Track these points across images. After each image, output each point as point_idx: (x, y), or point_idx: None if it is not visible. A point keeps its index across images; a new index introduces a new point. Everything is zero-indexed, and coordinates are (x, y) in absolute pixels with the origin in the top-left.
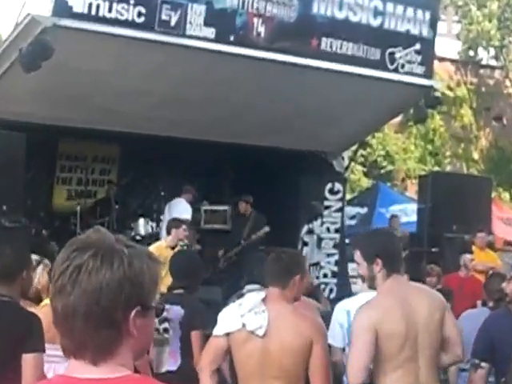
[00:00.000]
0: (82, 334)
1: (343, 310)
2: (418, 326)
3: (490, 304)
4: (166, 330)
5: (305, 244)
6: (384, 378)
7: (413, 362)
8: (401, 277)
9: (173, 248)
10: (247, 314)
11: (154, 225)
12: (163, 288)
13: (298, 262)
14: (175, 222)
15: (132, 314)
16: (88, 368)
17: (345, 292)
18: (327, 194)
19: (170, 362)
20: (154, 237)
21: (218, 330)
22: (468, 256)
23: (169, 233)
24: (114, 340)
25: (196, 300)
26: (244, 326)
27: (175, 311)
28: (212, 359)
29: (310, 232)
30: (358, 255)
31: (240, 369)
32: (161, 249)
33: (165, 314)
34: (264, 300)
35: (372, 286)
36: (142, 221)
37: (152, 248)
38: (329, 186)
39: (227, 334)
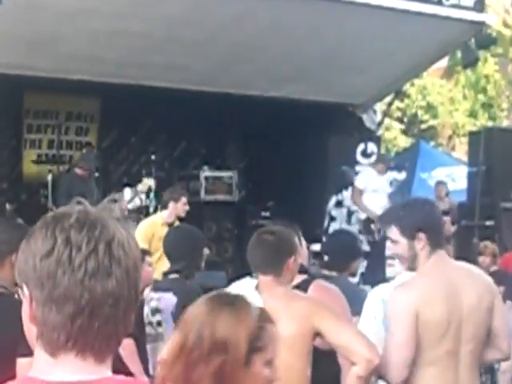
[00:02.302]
0: (118, 322)
1: (378, 299)
2: (463, 314)
3: None
4: (159, 323)
5: (332, 219)
6: (419, 372)
7: (453, 355)
8: (445, 254)
9: (170, 225)
10: None
11: (144, 196)
12: (157, 275)
13: (290, 242)
14: (174, 194)
15: None
16: (89, 367)
17: (379, 277)
18: (359, 157)
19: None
20: (143, 211)
21: None
22: None
23: (165, 207)
24: (131, 326)
25: (191, 285)
26: None
27: (166, 300)
28: None
29: (339, 204)
30: (394, 231)
31: None
32: (156, 226)
33: (156, 303)
34: (257, 288)
35: (413, 268)
36: (127, 191)
37: (145, 224)
38: (361, 146)
39: None
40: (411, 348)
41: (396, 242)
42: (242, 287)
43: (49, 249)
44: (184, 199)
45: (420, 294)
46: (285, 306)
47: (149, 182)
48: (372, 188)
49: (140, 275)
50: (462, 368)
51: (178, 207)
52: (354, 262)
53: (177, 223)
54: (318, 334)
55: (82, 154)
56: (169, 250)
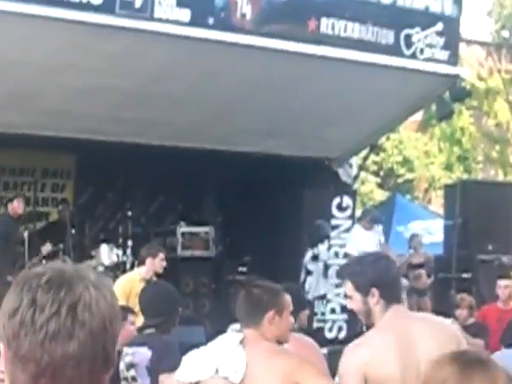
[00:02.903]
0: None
1: None
2: (421, 367)
3: None
4: (134, 379)
5: (308, 273)
6: None
7: None
8: (401, 307)
9: (148, 281)
10: (221, 358)
11: (120, 252)
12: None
13: (270, 295)
14: (151, 250)
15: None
16: None
17: (357, 330)
18: (334, 211)
19: None
20: (120, 267)
21: (184, 375)
22: (503, 282)
23: (143, 263)
24: None
25: (167, 339)
26: (217, 371)
27: (141, 354)
28: None
29: (315, 258)
30: (349, 286)
31: None
32: (134, 282)
33: (130, 358)
34: (242, 342)
35: (369, 323)
36: (104, 248)
37: (123, 281)
38: (336, 200)
39: (196, 382)
40: None
41: (351, 298)
42: (227, 341)
43: (15, 308)
44: (161, 255)
45: (369, 352)
46: (268, 363)
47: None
48: (362, 249)
49: (113, 336)
50: None
51: (156, 263)
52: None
53: (154, 279)
54: None
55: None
56: (145, 305)
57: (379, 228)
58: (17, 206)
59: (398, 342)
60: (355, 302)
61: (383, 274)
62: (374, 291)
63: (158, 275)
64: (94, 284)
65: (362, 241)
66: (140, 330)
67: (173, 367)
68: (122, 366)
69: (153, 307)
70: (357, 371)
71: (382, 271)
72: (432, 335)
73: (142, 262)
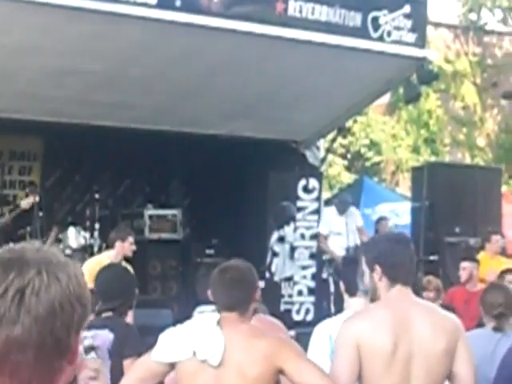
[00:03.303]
0: (30, 369)
1: (323, 334)
2: (414, 349)
3: (491, 323)
4: None
5: (275, 254)
6: None
7: None
8: (406, 289)
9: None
10: (198, 340)
11: (88, 235)
12: None
13: (253, 277)
14: (120, 234)
15: (79, 338)
16: None
17: (324, 313)
18: (300, 193)
19: None
20: (87, 250)
21: (160, 355)
22: (463, 264)
23: (112, 246)
24: (61, 371)
25: (126, 323)
26: (194, 354)
27: (102, 337)
28: (137, 379)
29: (281, 240)
30: (363, 261)
31: None
32: (102, 264)
33: (90, 341)
34: (218, 323)
35: (374, 299)
36: (72, 230)
37: (91, 264)
38: (302, 182)
39: (171, 364)
40: (349, 377)
41: (364, 272)
42: (203, 322)
43: None
44: (131, 239)
45: (364, 324)
46: (248, 345)
47: (30, 200)
48: (335, 231)
49: (65, 321)
50: None
51: (125, 247)
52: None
53: (123, 263)
54: (280, 372)
55: None
56: (101, 288)
57: (356, 212)
58: None
59: (394, 319)
60: (365, 277)
61: (388, 253)
62: (377, 268)
63: (126, 259)
64: (51, 268)
65: (334, 223)
66: (98, 313)
67: (137, 352)
68: (80, 349)
69: (109, 290)
70: (351, 341)
71: (388, 251)
72: (430, 324)
73: (111, 246)
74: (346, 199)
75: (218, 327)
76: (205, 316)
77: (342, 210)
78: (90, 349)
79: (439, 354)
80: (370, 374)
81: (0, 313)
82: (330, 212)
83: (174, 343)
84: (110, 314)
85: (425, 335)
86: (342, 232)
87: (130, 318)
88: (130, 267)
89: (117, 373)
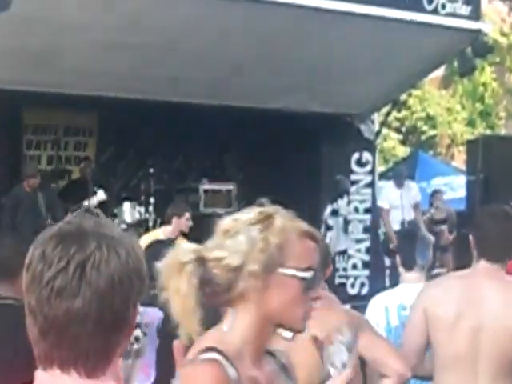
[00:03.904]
0: (88, 342)
1: (379, 307)
2: (483, 323)
3: None
4: (137, 339)
5: (328, 228)
6: (436, 377)
7: (469, 364)
8: (491, 265)
9: (173, 241)
10: None
11: (143, 210)
12: None
13: (328, 251)
14: (177, 210)
15: (135, 313)
16: (75, 380)
17: (379, 286)
18: (354, 166)
19: (141, 378)
20: (143, 224)
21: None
22: None
23: (169, 222)
24: (118, 345)
25: None
26: None
27: (151, 314)
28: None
29: (335, 213)
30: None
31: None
32: None
33: (139, 318)
34: None
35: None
36: (127, 205)
37: (147, 239)
38: (356, 156)
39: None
40: (415, 342)
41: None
42: None
43: (28, 263)
44: (187, 215)
45: (432, 292)
46: (321, 318)
47: (100, 196)
48: (395, 205)
49: (124, 296)
50: (481, 381)
51: (182, 223)
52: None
53: (180, 239)
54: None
55: (28, 163)
56: (148, 265)
57: (414, 186)
58: (33, 182)
59: (464, 291)
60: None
61: (479, 225)
62: (471, 239)
63: (183, 234)
64: (110, 243)
65: (392, 196)
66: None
67: None
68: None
69: (155, 268)
70: (418, 306)
71: (480, 223)
72: (503, 298)
73: (167, 222)
74: (400, 172)
75: None
76: None
77: (398, 184)
78: (135, 326)
79: (510, 330)
80: (435, 341)
81: (61, 286)
82: (388, 186)
83: None
84: (155, 291)
85: (496, 310)
86: (397, 205)
87: None
88: (185, 242)
89: (165, 353)
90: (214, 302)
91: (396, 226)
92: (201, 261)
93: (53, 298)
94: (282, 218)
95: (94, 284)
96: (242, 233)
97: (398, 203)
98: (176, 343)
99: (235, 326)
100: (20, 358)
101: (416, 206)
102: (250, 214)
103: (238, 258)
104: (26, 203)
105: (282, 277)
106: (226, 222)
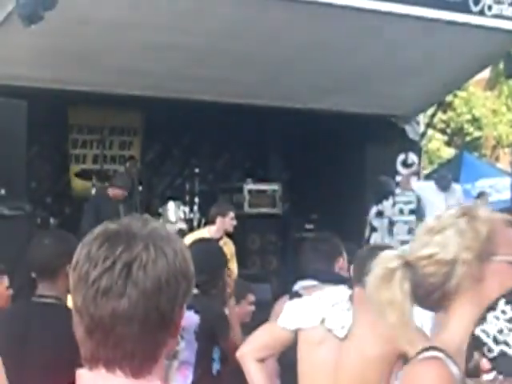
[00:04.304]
0: (134, 342)
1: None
2: None
3: None
4: None
5: (373, 229)
6: None
7: None
8: None
9: (218, 240)
10: (329, 309)
11: (187, 209)
12: None
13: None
14: (221, 209)
15: (182, 313)
16: (121, 380)
17: None
18: (400, 167)
19: (179, 379)
20: (187, 224)
21: (286, 322)
22: None
23: (213, 222)
24: (164, 345)
25: (212, 303)
26: (323, 321)
27: (189, 318)
28: (262, 345)
29: (380, 214)
30: None
31: (307, 374)
32: None
33: None
34: (351, 299)
35: None
36: (171, 204)
37: (191, 239)
38: (401, 157)
39: (296, 330)
40: None
41: None
42: (336, 295)
43: (75, 262)
44: (231, 214)
45: None
46: (373, 325)
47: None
48: (432, 208)
49: (170, 296)
50: None
51: (226, 222)
52: None
53: (225, 238)
54: (404, 357)
55: (119, 173)
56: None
57: (458, 189)
58: (119, 194)
59: None
60: None
61: None
62: None
63: (227, 233)
64: (157, 244)
65: (433, 199)
66: None
67: (227, 336)
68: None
69: (197, 265)
70: None
71: None
72: None
73: (211, 221)
74: (445, 175)
75: (350, 302)
76: (337, 289)
77: (442, 187)
78: None
79: None
80: None
81: (107, 286)
82: (430, 187)
83: (302, 311)
84: (195, 291)
85: None
86: (440, 208)
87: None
88: (231, 242)
89: (203, 355)
90: (425, 304)
91: None
92: (408, 264)
93: (99, 298)
94: (485, 209)
95: (141, 285)
96: (450, 226)
97: (442, 206)
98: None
99: (452, 323)
100: (62, 357)
101: None
102: (451, 211)
103: (451, 250)
104: (107, 210)
105: (499, 265)
106: (427, 223)
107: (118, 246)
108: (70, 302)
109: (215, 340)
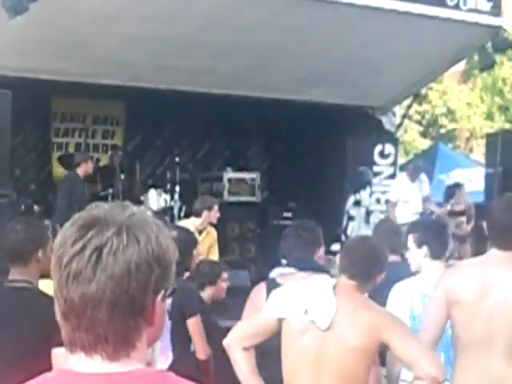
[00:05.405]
0: (105, 326)
1: (403, 295)
2: (495, 302)
3: None
4: None
5: (351, 218)
6: (455, 360)
7: (483, 346)
8: (500, 252)
9: (200, 232)
10: (312, 300)
11: (168, 197)
12: None
13: (382, 252)
14: (207, 203)
15: (158, 299)
16: (99, 363)
17: (398, 275)
18: (377, 158)
19: (161, 360)
20: (167, 212)
21: (271, 311)
22: None
23: (199, 215)
24: (138, 330)
25: (183, 281)
26: (306, 312)
27: None
28: (248, 334)
29: (357, 204)
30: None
31: (291, 362)
32: None
33: None
34: (334, 288)
35: None
36: (153, 193)
37: None
38: (378, 148)
39: (280, 320)
40: (435, 326)
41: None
42: (321, 284)
43: (54, 246)
44: (216, 207)
45: (453, 278)
46: (355, 315)
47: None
48: (404, 198)
49: (141, 282)
50: (497, 361)
51: (212, 215)
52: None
53: (208, 227)
54: (385, 346)
55: (75, 154)
56: None
57: (425, 179)
58: (89, 168)
59: (483, 276)
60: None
61: (494, 217)
62: (485, 229)
63: (212, 225)
64: (131, 230)
65: (405, 190)
66: None
67: (198, 310)
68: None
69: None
70: (440, 289)
71: (495, 215)
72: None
73: (197, 214)
74: (418, 165)
75: (333, 292)
76: (321, 278)
77: (414, 177)
78: None
79: None
80: (455, 323)
81: (77, 270)
82: (401, 179)
83: (286, 301)
84: None
85: (508, 295)
86: (409, 200)
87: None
88: (213, 230)
89: (178, 333)
90: None
91: (408, 219)
92: None
93: (70, 282)
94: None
95: (110, 269)
96: None
97: (414, 197)
98: (191, 322)
99: None
100: (35, 340)
101: (428, 199)
102: None
103: None
104: (79, 189)
105: None
106: None
107: (89, 230)
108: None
109: (191, 316)
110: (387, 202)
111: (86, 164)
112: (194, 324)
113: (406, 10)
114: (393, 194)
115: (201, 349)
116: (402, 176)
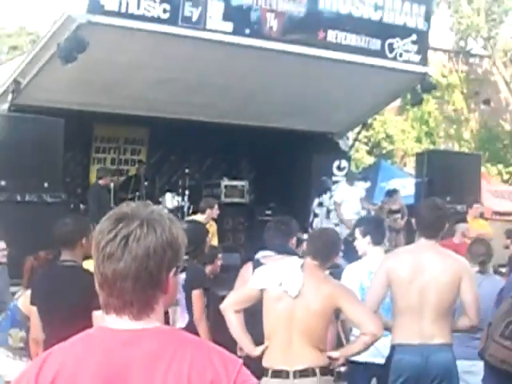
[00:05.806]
0: (130, 294)
1: (354, 272)
2: (426, 279)
3: (476, 268)
4: None
5: (315, 215)
6: (394, 321)
7: (416, 311)
8: (426, 240)
9: (205, 224)
10: (285, 275)
11: (180, 199)
12: None
13: (338, 241)
14: (209, 203)
15: (170, 275)
16: (127, 322)
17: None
18: (335, 170)
19: (180, 321)
20: (179, 210)
21: (255, 283)
22: (464, 225)
23: (203, 212)
24: (155, 297)
25: (196, 263)
26: (281, 284)
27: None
28: (239, 301)
29: (320, 204)
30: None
31: (270, 323)
32: None
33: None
34: (302, 266)
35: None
36: (168, 195)
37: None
38: (336, 163)
39: (262, 290)
40: (378, 293)
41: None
42: (292, 264)
43: (94, 234)
44: (216, 206)
45: (392, 260)
46: (317, 286)
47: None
48: (346, 199)
49: (157, 261)
50: (427, 324)
51: (213, 212)
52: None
53: (211, 221)
54: (339, 310)
55: (101, 167)
56: None
57: (365, 185)
58: (107, 181)
59: (414, 258)
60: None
61: (420, 214)
62: (414, 224)
63: (212, 219)
64: (150, 222)
65: (345, 193)
66: None
67: (201, 285)
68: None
69: (187, 238)
70: (382, 268)
71: (421, 213)
72: (440, 262)
73: (202, 211)
74: (352, 175)
75: (301, 269)
76: (293, 259)
77: (351, 182)
78: None
79: (447, 286)
80: (394, 295)
81: (110, 252)
82: (342, 186)
83: (266, 275)
84: (186, 257)
85: (435, 271)
86: (350, 200)
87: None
88: (214, 223)
89: (190, 302)
90: None
91: (351, 216)
92: None
93: (105, 261)
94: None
95: (134, 252)
96: None
97: (352, 198)
98: (195, 293)
99: None
100: (79, 303)
101: (363, 200)
102: None
103: None
104: (102, 195)
105: None
106: None
107: (119, 222)
108: (84, 265)
109: (195, 288)
110: (334, 203)
111: (105, 178)
112: (196, 295)
113: (358, 61)
114: (337, 196)
115: (198, 316)
116: (343, 183)
